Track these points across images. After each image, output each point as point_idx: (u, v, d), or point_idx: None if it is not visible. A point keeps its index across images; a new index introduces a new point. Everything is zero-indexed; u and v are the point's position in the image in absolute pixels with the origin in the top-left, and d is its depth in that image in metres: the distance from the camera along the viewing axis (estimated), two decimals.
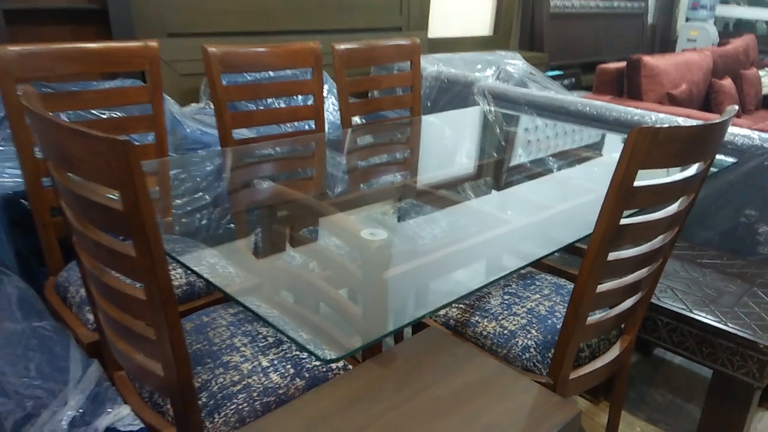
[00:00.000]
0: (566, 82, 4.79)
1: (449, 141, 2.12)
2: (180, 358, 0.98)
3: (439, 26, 4.07)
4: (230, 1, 2.89)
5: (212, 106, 2.63)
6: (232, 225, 1.42)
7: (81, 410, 1.14)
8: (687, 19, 6.23)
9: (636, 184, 1.10)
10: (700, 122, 1.15)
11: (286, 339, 1.28)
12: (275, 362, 1.20)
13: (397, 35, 3.63)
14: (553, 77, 4.33)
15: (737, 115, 4.08)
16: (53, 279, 1.60)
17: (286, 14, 3.11)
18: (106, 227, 0.91)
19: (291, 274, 1.21)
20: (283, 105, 2.66)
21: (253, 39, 2.99)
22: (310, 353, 0.86)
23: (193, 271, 1.15)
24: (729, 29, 6.67)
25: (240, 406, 1.12)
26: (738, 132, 2.07)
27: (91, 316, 1.41)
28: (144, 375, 1.06)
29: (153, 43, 1.67)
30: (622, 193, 1.09)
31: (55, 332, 1.40)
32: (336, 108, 2.86)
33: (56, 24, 2.47)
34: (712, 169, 1.79)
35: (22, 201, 1.65)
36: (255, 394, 1.14)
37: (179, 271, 1.49)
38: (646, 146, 1.05)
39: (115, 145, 0.80)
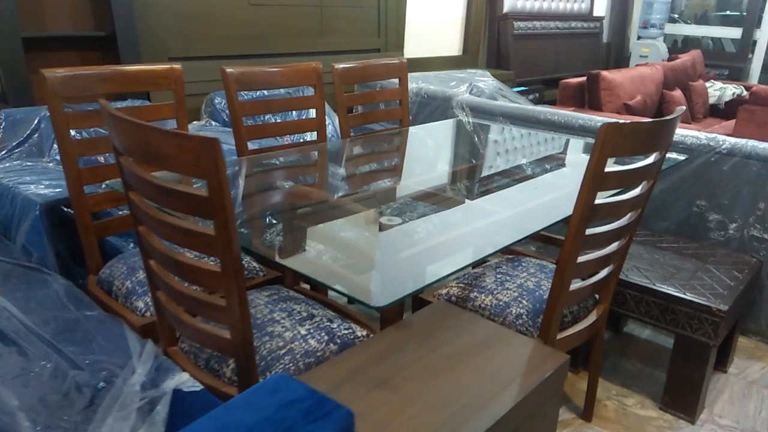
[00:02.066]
0: (531, 97, 5.12)
1: (438, 148, 2.37)
2: (245, 319, 1.18)
3: (413, 47, 4.36)
4: (224, 27, 3.12)
5: (213, 123, 2.84)
6: (265, 219, 1.62)
7: (149, 376, 1.33)
8: (639, 38, 6.68)
9: (606, 169, 1.35)
10: (656, 120, 1.41)
11: (317, 313, 1.49)
12: (311, 331, 1.41)
13: (386, 55, 3.90)
14: (519, 92, 4.65)
15: (687, 122, 4.45)
16: (93, 277, 1.78)
17: (275, 38, 3.35)
18: (189, 211, 1.12)
19: (310, 262, 1.41)
20: (278, 120, 2.88)
21: (246, 61, 3.21)
22: (361, 302, 1.08)
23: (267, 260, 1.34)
24: (678, 45, 7.15)
25: (287, 366, 1.32)
26: (687, 133, 2.37)
27: (139, 304, 1.60)
28: (209, 340, 1.27)
29: (177, 66, 1.88)
30: (596, 177, 1.35)
31: (107, 319, 1.58)
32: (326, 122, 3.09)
33: (66, 50, 2.65)
34: (668, 161, 2.07)
35: (63, 207, 1.83)
36: (298, 356, 1.35)
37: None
38: (614, 138, 1.31)
39: (205, 141, 1.02)
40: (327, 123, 3.07)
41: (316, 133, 2.25)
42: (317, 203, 1.72)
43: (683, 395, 1.88)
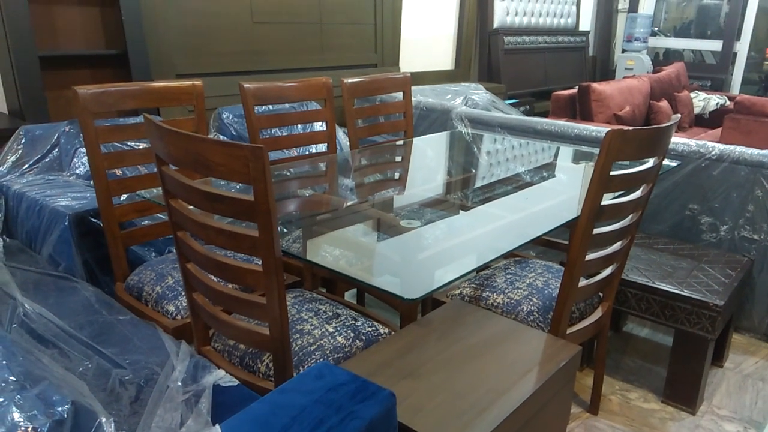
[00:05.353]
0: (522, 109, 5.26)
1: (443, 157, 2.48)
2: (284, 316, 1.27)
3: (408, 61, 4.48)
4: (227, 44, 3.21)
5: (221, 137, 2.93)
6: (289, 226, 1.71)
7: (189, 373, 1.41)
8: (623, 51, 6.87)
9: (611, 173, 1.46)
10: (655, 126, 1.53)
11: (341, 312, 1.58)
12: (338, 328, 1.50)
13: (383, 70, 4.02)
14: (511, 105, 4.79)
15: (674, 132, 4.60)
16: (121, 284, 1.85)
17: (277, 55, 3.45)
18: (235, 215, 1.20)
19: (341, 263, 1.51)
20: (285, 133, 2.98)
21: (248, 77, 3.31)
22: (396, 295, 1.17)
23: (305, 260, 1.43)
24: (659, 58, 7.36)
25: (318, 361, 1.41)
26: (679, 141, 2.50)
27: (170, 308, 1.68)
28: (248, 336, 1.35)
29: (198, 83, 1.98)
30: (602, 180, 1.45)
31: (139, 323, 1.66)
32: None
33: (79, 68, 2.74)
34: (661, 167, 2.19)
35: (90, 218, 1.90)
36: (328, 352, 1.43)
37: None
38: (618, 144, 1.42)
39: (254, 150, 1.11)
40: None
41: (326, 144, 2.35)
42: (341, 210, 1.81)
43: (684, 388, 1.98)
